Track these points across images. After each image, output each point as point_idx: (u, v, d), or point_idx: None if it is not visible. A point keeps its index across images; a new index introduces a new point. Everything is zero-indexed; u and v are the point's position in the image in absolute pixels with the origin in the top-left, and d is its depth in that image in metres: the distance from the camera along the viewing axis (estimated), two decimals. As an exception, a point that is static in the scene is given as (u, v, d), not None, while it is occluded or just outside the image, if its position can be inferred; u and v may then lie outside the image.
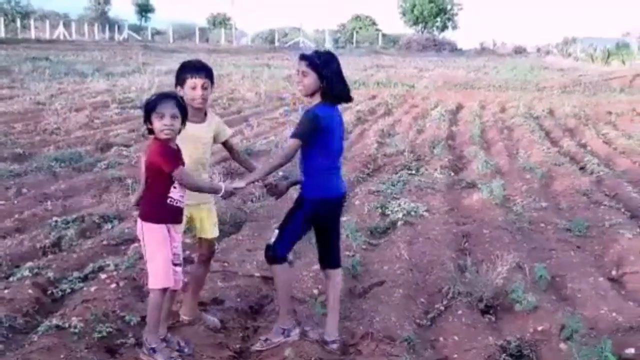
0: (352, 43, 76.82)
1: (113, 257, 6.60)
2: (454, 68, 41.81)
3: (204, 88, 4.85)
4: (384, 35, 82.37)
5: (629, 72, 33.72)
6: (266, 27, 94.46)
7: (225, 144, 5.32)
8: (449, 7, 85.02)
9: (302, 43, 75.78)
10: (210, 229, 5.20)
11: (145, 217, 4.57)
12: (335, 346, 5.03)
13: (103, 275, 6.05)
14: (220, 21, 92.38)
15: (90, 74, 28.73)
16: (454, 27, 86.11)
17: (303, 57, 4.84)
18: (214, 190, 4.73)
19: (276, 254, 4.90)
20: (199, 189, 4.68)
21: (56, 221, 7.74)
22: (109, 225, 7.91)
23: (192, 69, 4.90)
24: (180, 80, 4.90)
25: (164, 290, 4.58)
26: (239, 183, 4.75)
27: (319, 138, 4.74)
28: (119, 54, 44.59)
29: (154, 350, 4.55)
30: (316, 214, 4.90)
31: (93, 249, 6.98)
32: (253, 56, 48.23)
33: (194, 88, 4.83)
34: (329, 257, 5.15)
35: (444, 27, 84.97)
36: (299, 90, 4.94)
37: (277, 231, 4.94)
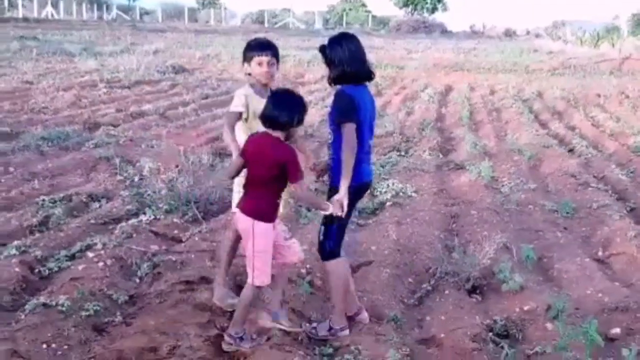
0: (342, 24, 76.43)
1: (100, 235, 6.58)
2: (444, 50, 41.74)
3: (270, 65, 5.00)
4: (373, 16, 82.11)
5: (618, 55, 33.74)
6: (256, 7, 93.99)
7: None
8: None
9: (292, 24, 75.49)
10: None
11: (259, 217, 4.49)
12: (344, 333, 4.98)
13: (90, 254, 6.04)
14: (209, 1, 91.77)
15: (79, 53, 28.56)
16: (444, 9, 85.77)
17: (319, 50, 4.88)
18: (322, 208, 4.71)
19: (325, 249, 4.89)
20: (310, 205, 4.63)
21: (44, 200, 7.71)
22: (97, 204, 7.90)
23: (259, 46, 5.05)
24: (247, 57, 5.05)
25: (260, 288, 4.62)
26: (340, 195, 4.63)
27: (359, 116, 4.69)
28: (108, 34, 44.26)
29: (241, 338, 4.58)
30: (352, 200, 4.78)
31: (80, 227, 6.97)
32: (242, 37, 47.95)
33: (260, 64, 4.98)
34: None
35: (433, 9, 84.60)
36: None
37: (322, 227, 4.89)
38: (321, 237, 4.89)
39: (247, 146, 4.55)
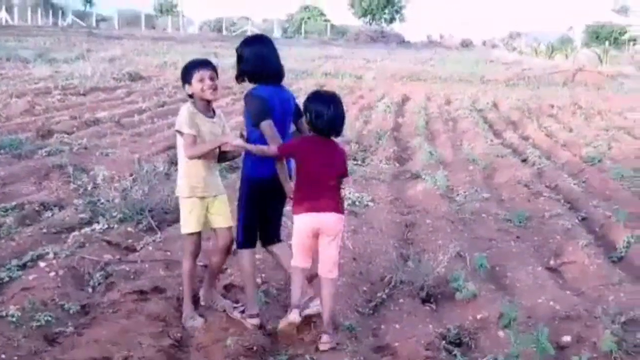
0: (301, 33, 76.56)
1: (53, 245, 6.49)
2: (402, 60, 42.03)
3: (211, 79, 5.00)
4: (332, 26, 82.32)
5: (571, 66, 34.33)
6: (214, 15, 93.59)
7: None
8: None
9: (250, 32, 75.36)
10: (228, 218, 5.24)
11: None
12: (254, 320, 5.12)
13: (42, 264, 5.95)
14: (167, 8, 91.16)
15: (33, 59, 28.17)
16: (402, 20, 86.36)
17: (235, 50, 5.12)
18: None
19: (237, 239, 5.16)
20: None
21: (-6, 209, 7.59)
22: (49, 213, 7.78)
23: (196, 64, 5.08)
24: (187, 77, 5.04)
25: None
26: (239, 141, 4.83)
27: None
28: (63, 40, 43.71)
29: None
30: (252, 193, 5.06)
31: (32, 236, 6.85)
32: (200, 45, 47.77)
33: (201, 80, 4.97)
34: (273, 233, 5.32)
35: (392, 20, 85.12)
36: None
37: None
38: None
39: (307, 151, 4.78)
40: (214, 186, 5.17)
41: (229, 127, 5.45)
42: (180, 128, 4.96)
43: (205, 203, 5.12)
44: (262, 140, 4.84)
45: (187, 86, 5.06)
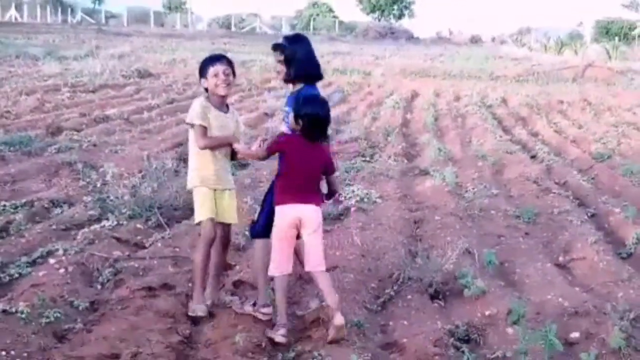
0: (309, 30, 76.48)
1: (62, 241, 6.52)
2: (410, 56, 41.96)
3: (225, 74, 5.09)
4: (341, 22, 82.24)
5: (580, 62, 34.20)
6: (223, 12, 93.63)
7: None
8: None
9: (259, 29, 75.36)
10: (233, 215, 5.34)
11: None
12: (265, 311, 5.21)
13: (52, 260, 5.98)
14: (176, 5, 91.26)
15: (42, 57, 28.22)
16: (411, 16, 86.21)
17: (276, 47, 5.18)
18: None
19: (254, 228, 5.29)
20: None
21: (4, 205, 7.62)
22: (59, 210, 7.81)
23: (212, 58, 5.19)
24: (203, 71, 5.16)
25: None
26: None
27: None
28: (72, 38, 43.84)
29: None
30: None
31: (42, 233, 6.88)
32: (209, 41, 47.77)
33: (216, 75, 5.08)
34: None
35: (400, 15, 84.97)
36: (279, 78, 5.28)
37: (259, 208, 5.36)
38: (255, 217, 5.33)
39: (294, 150, 4.91)
40: (226, 180, 5.26)
41: (242, 123, 5.48)
42: (192, 120, 5.06)
43: (215, 195, 5.18)
44: None
45: (202, 80, 5.18)
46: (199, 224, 5.23)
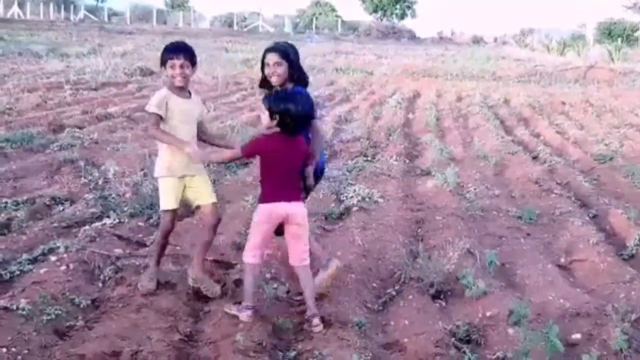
0: (312, 29, 76.51)
1: (63, 239, 6.51)
2: (413, 56, 41.96)
3: (181, 67, 5.23)
4: (343, 21, 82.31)
5: (583, 63, 34.19)
6: (225, 10, 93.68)
7: (199, 124, 5.56)
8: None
9: (261, 28, 75.38)
10: (209, 194, 5.48)
11: None
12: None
13: (53, 258, 5.98)
14: (178, 3, 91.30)
15: (45, 54, 28.26)
16: (413, 16, 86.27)
17: (274, 49, 5.40)
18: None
19: None
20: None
21: (6, 202, 7.62)
22: (60, 207, 7.81)
23: (171, 49, 5.32)
24: (162, 61, 5.33)
25: None
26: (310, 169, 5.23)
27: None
28: (75, 35, 43.83)
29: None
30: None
31: (43, 230, 6.89)
32: (211, 39, 47.75)
33: (172, 67, 5.24)
34: None
35: (403, 15, 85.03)
36: (273, 81, 5.36)
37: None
38: None
39: (276, 150, 4.95)
40: (194, 168, 5.39)
41: (205, 110, 5.58)
42: (148, 108, 5.24)
43: (183, 182, 5.35)
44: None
45: (162, 68, 5.39)
46: (189, 214, 5.40)
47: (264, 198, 5.07)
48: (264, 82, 5.51)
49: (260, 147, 5.02)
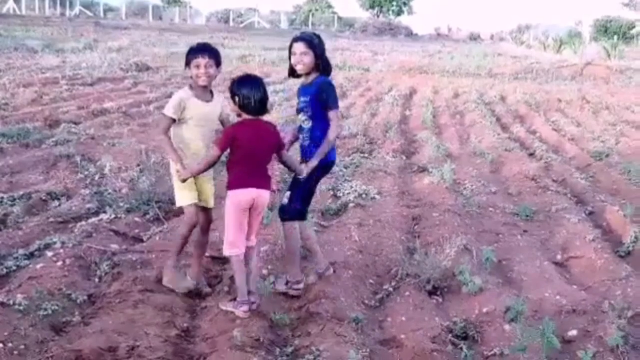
0: (308, 25, 76.40)
1: (60, 234, 6.51)
2: (409, 53, 41.97)
3: (206, 67, 5.27)
4: (339, 18, 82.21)
5: (579, 60, 34.22)
6: (221, 6, 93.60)
7: (222, 121, 5.63)
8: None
9: (258, 24, 75.27)
10: (211, 199, 5.60)
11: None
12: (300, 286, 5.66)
13: (49, 253, 5.97)
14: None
15: (40, 49, 28.21)
16: (410, 12, 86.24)
17: (301, 39, 5.50)
18: (298, 170, 5.47)
19: (288, 211, 5.60)
20: (292, 165, 5.48)
21: (2, 198, 7.62)
22: (56, 203, 7.80)
23: (196, 49, 5.35)
24: (187, 61, 5.35)
25: None
26: (312, 163, 5.43)
27: None
28: (70, 30, 43.71)
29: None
30: (320, 175, 5.66)
31: (40, 226, 6.88)
32: (207, 35, 47.66)
33: (197, 67, 5.27)
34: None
35: (399, 12, 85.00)
36: (299, 69, 5.50)
37: (288, 192, 5.61)
38: (285, 201, 5.59)
39: (243, 134, 5.03)
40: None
41: (228, 109, 5.57)
42: (166, 111, 5.27)
43: (195, 180, 5.38)
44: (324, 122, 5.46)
45: (186, 68, 5.40)
46: (180, 208, 5.52)
47: (232, 184, 5.14)
48: (292, 71, 5.63)
49: (230, 136, 5.07)
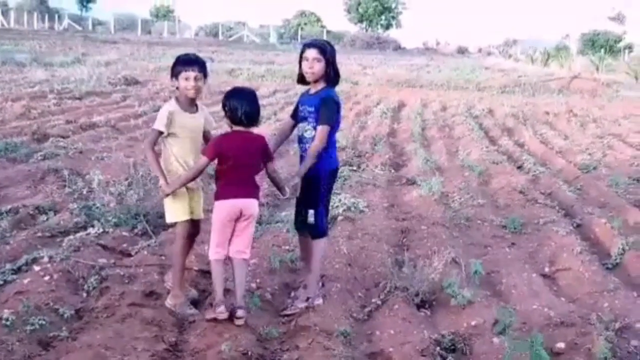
0: (297, 39, 76.60)
1: (47, 249, 6.46)
2: (397, 66, 42.08)
3: (196, 79, 5.25)
4: (328, 32, 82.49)
5: (567, 74, 34.42)
6: (210, 20, 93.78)
7: (205, 133, 5.63)
8: (393, 5, 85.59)
9: (247, 38, 75.42)
10: (201, 210, 5.61)
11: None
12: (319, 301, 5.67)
13: (37, 267, 5.93)
14: (163, 13, 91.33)
15: (29, 63, 28.13)
16: (398, 26, 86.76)
17: (314, 45, 5.52)
18: (283, 190, 5.45)
19: (320, 230, 5.63)
20: (279, 182, 5.44)
21: (-11, 212, 7.57)
22: (44, 217, 7.76)
23: (186, 62, 5.31)
24: (174, 72, 5.32)
25: None
26: (295, 181, 5.35)
27: (337, 118, 5.54)
28: (59, 44, 43.75)
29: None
30: (330, 182, 5.69)
31: (27, 240, 6.83)
32: (196, 49, 47.66)
33: (187, 79, 5.24)
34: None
35: (388, 26, 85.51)
36: (308, 77, 5.49)
37: (311, 211, 5.54)
38: (312, 220, 5.54)
39: (230, 144, 5.08)
40: (195, 182, 5.48)
41: (212, 120, 5.71)
42: (156, 126, 5.28)
43: (188, 193, 5.41)
44: (330, 134, 5.46)
45: (173, 79, 5.36)
46: (173, 224, 5.51)
47: (219, 195, 5.18)
48: (301, 78, 5.61)
49: (217, 144, 5.12)
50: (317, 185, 5.51)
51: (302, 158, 5.59)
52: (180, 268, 5.51)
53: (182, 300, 5.47)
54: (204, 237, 5.98)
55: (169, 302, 5.46)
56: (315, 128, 5.42)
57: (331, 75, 5.51)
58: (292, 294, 5.99)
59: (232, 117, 5.09)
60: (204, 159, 5.13)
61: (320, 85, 5.52)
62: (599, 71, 38.65)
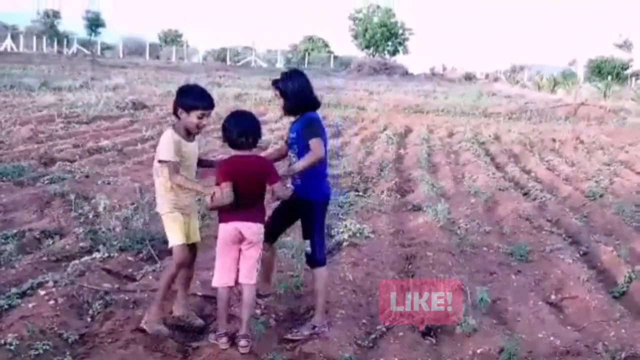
0: (304, 64, 76.94)
1: (52, 273, 6.47)
2: (404, 92, 42.19)
3: (207, 118, 5.31)
4: (335, 57, 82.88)
5: (573, 100, 34.46)
6: (218, 45, 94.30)
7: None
8: (400, 31, 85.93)
9: (254, 62, 75.79)
10: (197, 234, 5.66)
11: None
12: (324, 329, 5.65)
13: (42, 292, 5.93)
14: (172, 38, 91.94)
15: (37, 87, 28.29)
16: (405, 52, 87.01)
17: (273, 82, 5.66)
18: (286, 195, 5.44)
19: (317, 259, 5.70)
20: (284, 196, 5.44)
21: (-5, 236, 7.58)
22: (50, 241, 7.77)
23: (205, 100, 5.31)
24: (187, 106, 5.26)
25: None
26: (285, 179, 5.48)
27: (323, 134, 5.52)
28: (67, 68, 44.01)
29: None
30: (324, 212, 5.77)
31: (32, 264, 6.85)
32: (204, 74, 47.99)
33: (200, 118, 5.25)
34: None
35: (395, 51, 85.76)
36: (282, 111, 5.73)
37: (307, 241, 5.66)
38: (309, 250, 5.66)
39: (234, 168, 5.09)
40: (192, 205, 5.59)
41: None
42: (167, 158, 5.20)
43: (185, 219, 5.45)
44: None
45: (181, 111, 5.29)
46: (171, 249, 5.46)
47: (222, 218, 5.20)
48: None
49: (227, 171, 5.12)
50: (311, 216, 5.64)
51: (294, 185, 5.67)
52: (165, 287, 5.49)
53: (155, 319, 5.45)
54: (209, 264, 5.97)
55: (144, 319, 5.46)
56: (297, 155, 5.52)
57: (288, 106, 5.60)
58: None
59: (227, 139, 5.15)
60: (226, 189, 5.06)
61: (300, 113, 5.64)
62: (606, 98, 38.65)
